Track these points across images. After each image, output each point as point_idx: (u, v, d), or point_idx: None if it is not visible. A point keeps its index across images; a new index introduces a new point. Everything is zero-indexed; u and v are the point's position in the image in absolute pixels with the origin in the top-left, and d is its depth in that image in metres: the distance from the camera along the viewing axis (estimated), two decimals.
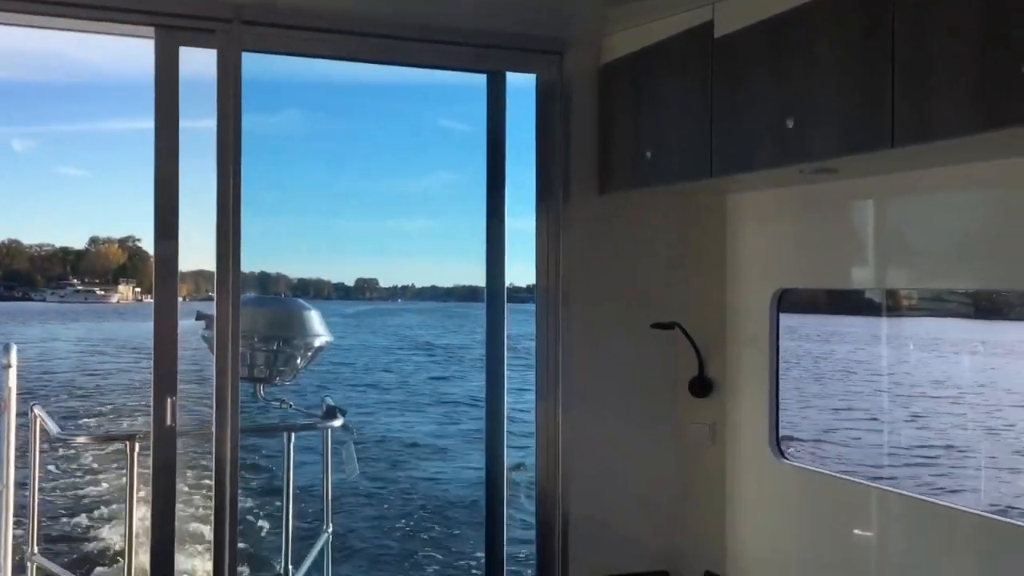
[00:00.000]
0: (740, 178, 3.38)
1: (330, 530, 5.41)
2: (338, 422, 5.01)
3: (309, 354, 5.01)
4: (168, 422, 3.35)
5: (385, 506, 17.08)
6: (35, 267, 71.24)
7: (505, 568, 3.99)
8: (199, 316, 4.25)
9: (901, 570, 3.24)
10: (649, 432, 3.96)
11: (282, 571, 4.75)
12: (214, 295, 3.44)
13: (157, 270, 3.44)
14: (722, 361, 3.96)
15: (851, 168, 3.06)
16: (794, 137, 2.82)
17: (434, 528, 15.54)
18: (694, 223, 3.98)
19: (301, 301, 5.36)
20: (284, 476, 4.82)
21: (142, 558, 3.73)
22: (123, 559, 4.49)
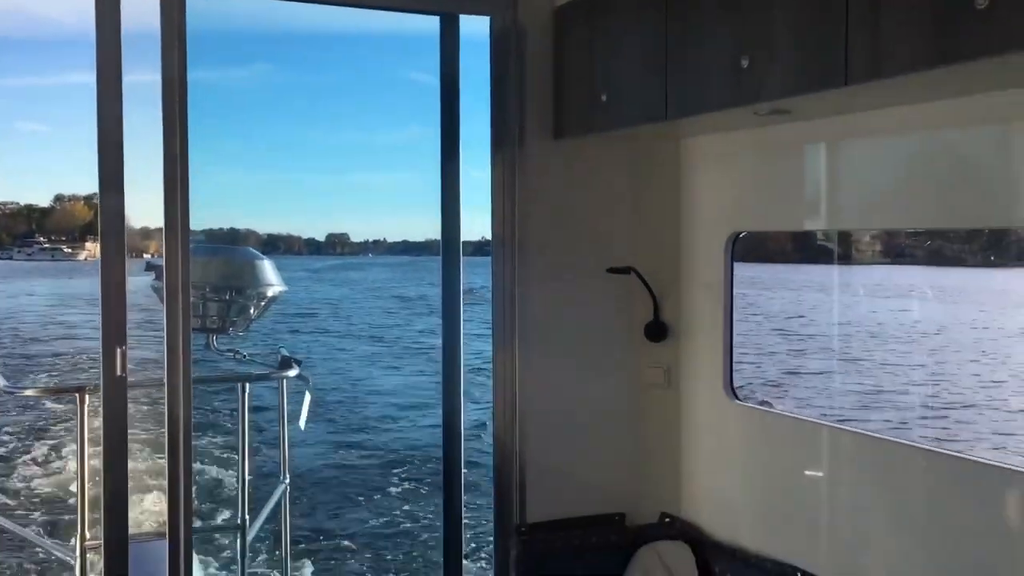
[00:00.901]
0: (695, 121, 3.36)
1: (287, 480, 5.40)
2: (293, 372, 4.97)
3: (262, 304, 4.95)
4: (118, 372, 3.29)
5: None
6: (0, 225, 69.75)
7: (463, 517, 4.02)
8: (148, 266, 4.18)
9: (853, 505, 3.31)
10: (605, 377, 3.99)
11: (239, 521, 4.73)
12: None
13: (103, 222, 3.37)
14: (677, 305, 3.98)
15: (805, 109, 3.06)
16: (748, 77, 2.81)
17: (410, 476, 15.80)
18: (649, 168, 3.97)
19: (253, 250, 5.29)
20: (239, 426, 4.78)
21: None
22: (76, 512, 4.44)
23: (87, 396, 4.29)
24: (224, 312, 4.83)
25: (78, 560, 4.36)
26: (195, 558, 3.70)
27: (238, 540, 4.73)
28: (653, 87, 3.24)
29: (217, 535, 9.26)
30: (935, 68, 2.23)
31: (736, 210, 3.77)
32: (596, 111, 3.58)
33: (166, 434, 3.39)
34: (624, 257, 3.90)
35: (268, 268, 5.00)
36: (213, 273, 4.82)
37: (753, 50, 2.78)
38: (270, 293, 4.98)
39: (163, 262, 3.40)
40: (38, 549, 4.94)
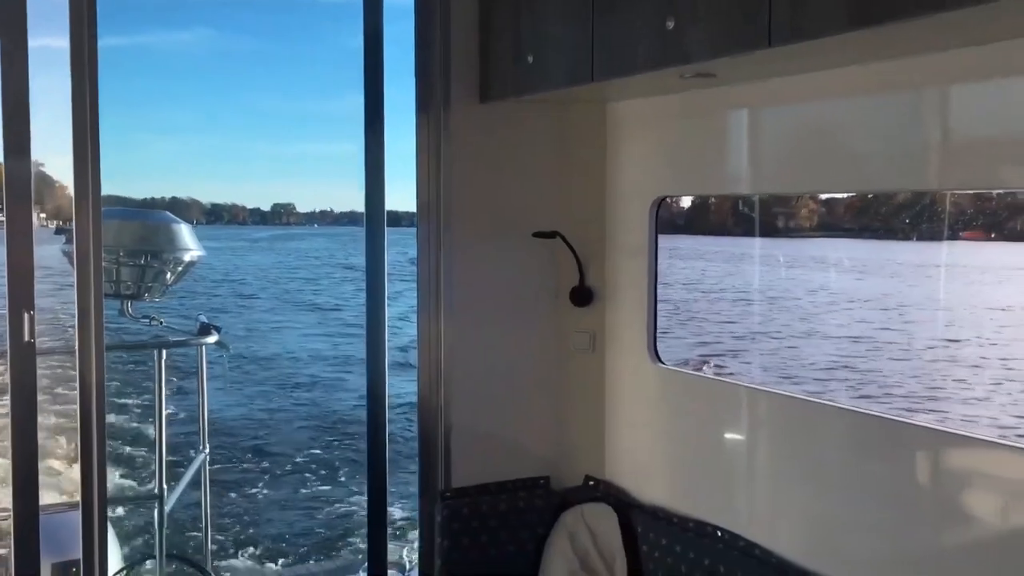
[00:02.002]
0: (621, 83, 3.35)
1: (206, 450, 5.31)
2: (212, 339, 4.87)
3: (179, 269, 4.82)
4: (26, 338, 3.18)
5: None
6: None
7: (388, 485, 3.99)
8: (58, 230, 4.03)
9: (771, 465, 3.38)
10: (530, 342, 3.99)
11: (156, 491, 4.63)
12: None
13: (8, 185, 3.23)
14: (602, 270, 4.00)
15: (729, 73, 3.07)
16: (674, 39, 2.80)
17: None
18: (575, 133, 3.96)
19: (169, 214, 5.14)
20: (156, 394, 4.67)
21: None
22: None
23: None
24: (139, 277, 4.69)
25: None
26: (110, 529, 3.61)
27: (156, 510, 4.64)
28: (579, 48, 3.21)
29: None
30: (856, 30, 2.25)
31: (661, 175, 3.78)
32: (522, 73, 3.54)
33: (78, 402, 3.29)
34: (550, 222, 3.89)
35: (185, 232, 4.87)
36: (127, 237, 4.67)
37: (679, 12, 2.77)
38: (187, 258, 4.85)
39: (74, 226, 3.28)
40: None
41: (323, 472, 14.41)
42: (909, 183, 2.97)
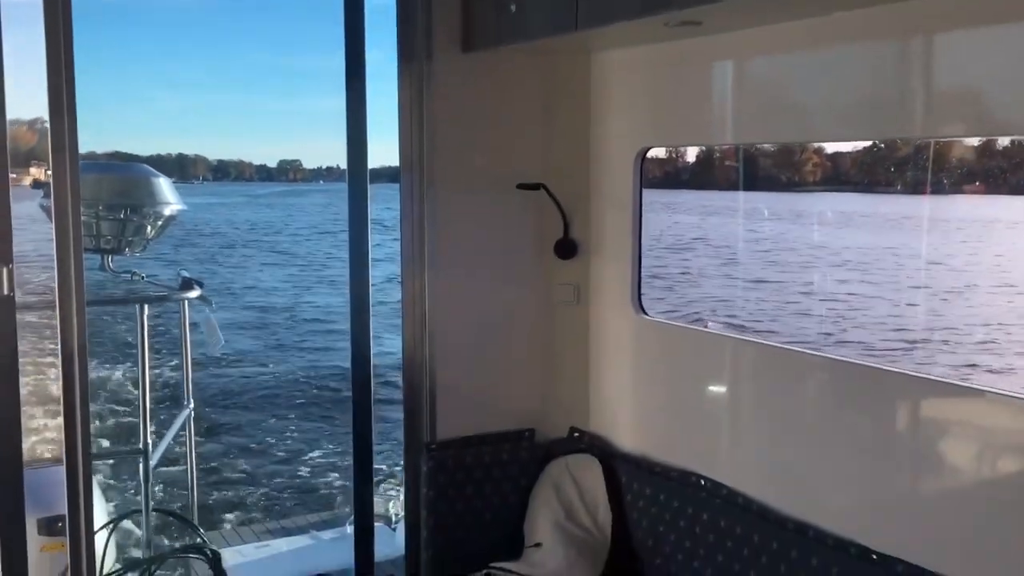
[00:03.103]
0: (605, 32, 3.31)
1: (191, 405, 5.31)
2: (194, 293, 4.83)
3: (159, 223, 4.77)
4: (5, 291, 3.13)
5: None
6: None
7: (374, 442, 4.00)
8: (36, 184, 3.97)
9: (754, 414, 3.40)
10: (515, 295, 3.98)
11: (141, 446, 4.63)
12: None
13: None
14: (587, 222, 3.98)
15: (715, 21, 3.04)
16: None
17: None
18: (559, 83, 3.91)
19: (148, 168, 5.07)
20: (139, 348, 4.64)
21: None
22: None
23: None
24: (119, 231, 4.64)
25: None
26: (95, 483, 3.61)
27: (141, 464, 4.64)
28: None
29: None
30: None
31: (645, 125, 3.75)
32: (505, 22, 3.49)
33: (60, 357, 3.26)
34: (534, 174, 3.87)
35: (165, 185, 4.81)
36: (106, 190, 4.61)
37: None
38: (167, 212, 4.80)
39: (51, 179, 3.23)
40: None
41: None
42: (896, 131, 2.95)
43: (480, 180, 3.86)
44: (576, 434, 4.04)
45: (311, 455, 13.10)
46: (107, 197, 4.59)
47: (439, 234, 3.81)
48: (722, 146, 3.65)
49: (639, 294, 3.83)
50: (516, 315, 3.99)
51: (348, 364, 3.97)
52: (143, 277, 4.98)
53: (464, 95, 3.79)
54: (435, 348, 3.86)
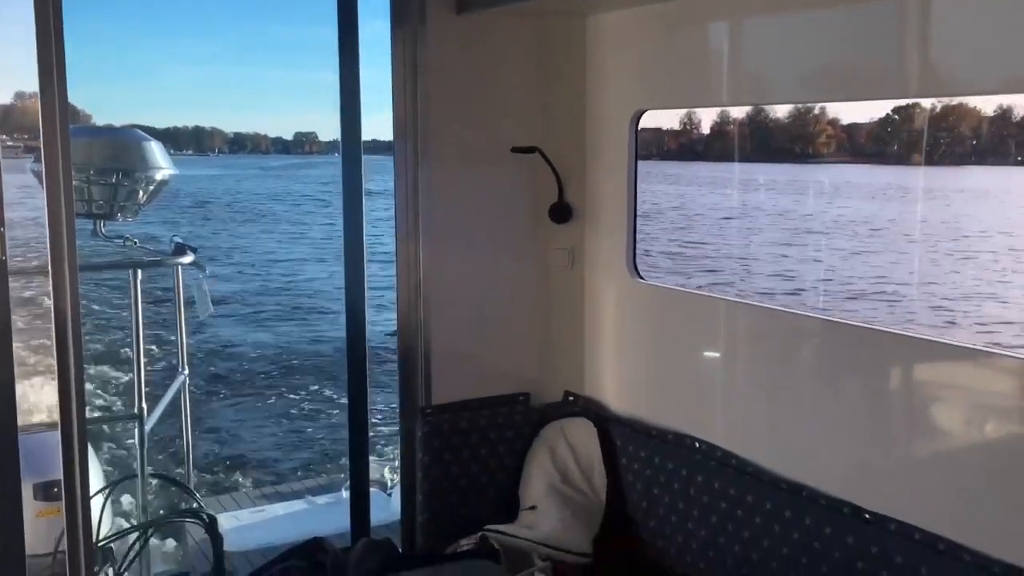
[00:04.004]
0: None
1: (186, 371, 5.30)
2: (187, 259, 4.81)
3: (151, 188, 4.73)
4: None
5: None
6: None
7: (369, 414, 4.01)
8: (26, 148, 3.93)
9: (749, 377, 3.41)
10: (509, 259, 3.97)
11: (136, 411, 4.62)
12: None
13: None
14: (582, 186, 3.96)
15: None
16: None
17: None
18: (554, 46, 3.88)
19: (140, 132, 5.02)
20: (132, 313, 4.63)
21: None
22: None
23: None
24: (111, 196, 4.60)
25: None
26: (90, 450, 3.60)
27: (136, 429, 4.64)
28: None
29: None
30: None
31: (640, 88, 3.73)
32: None
33: (53, 323, 3.25)
34: (529, 137, 3.84)
35: (156, 150, 4.76)
36: (97, 155, 4.57)
37: None
38: (159, 176, 4.75)
39: (41, 144, 3.19)
40: None
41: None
42: (895, 92, 2.93)
43: (474, 144, 3.84)
44: (571, 398, 4.05)
45: None
46: (98, 161, 4.55)
47: (433, 199, 3.79)
48: (717, 107, 3.62)
49: (634, 258, 3.82)
50: (511, 280, 3.98)
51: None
52: (136, 243, 4.95)
53: (458, 58, 3.76)
54: (430, 313, 3.85)
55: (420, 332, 3.87)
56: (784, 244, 24.57)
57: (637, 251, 3.84)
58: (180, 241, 4.96)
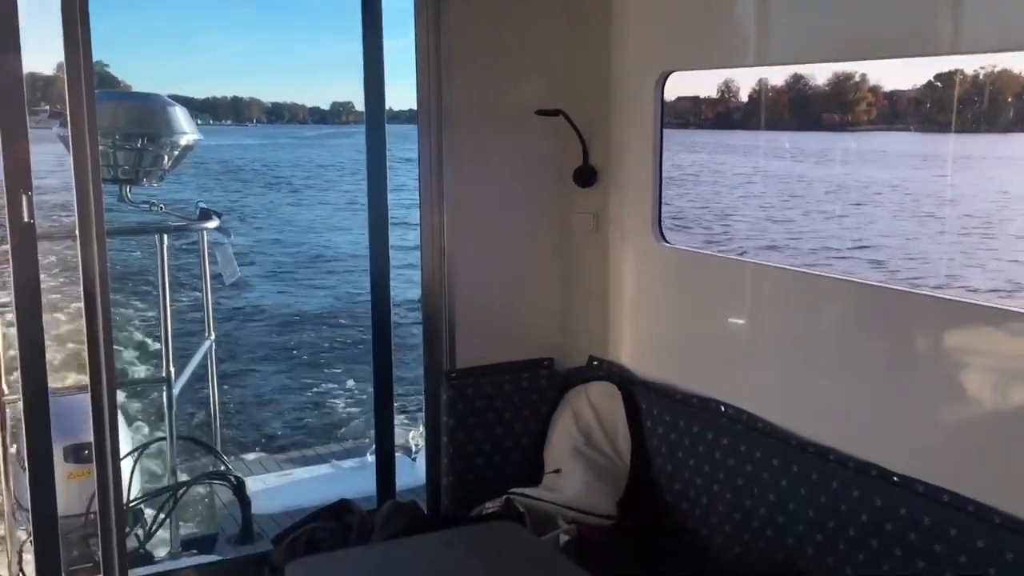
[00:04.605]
0: None
1: (212, 337, 5.35)
2: (212, 223, 4.83)
3: (176, 153, 4.75)
4: (26, 218, 3.14)
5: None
6: None
7: (394, 380, 4.03)
8: (52, 114, 3.95)
9: (776, 339, 3.38)
10: (533, 224, 3.96)
11: (164, 375, 4.68)
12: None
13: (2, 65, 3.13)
14: (606, 149, 3.93)
15: None
16: None
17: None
18: (579, 7, 3.84)
19: (164, 97, 5.03)
20: (159, 278, 4.66)
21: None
22: None
23: None
24: (136, 161, 4.63)
25: None
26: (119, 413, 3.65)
27: (164, 393, 4.69)
28: None
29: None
30: None
31: (667, 49, 3.68)
32: None
33: (81, 287, 3.28)
34: (553, 99, 3.81)
35: (181, 115, 4.78)
36: (122, 120, 4.59)
37: None
38: (183, 141, 4.77)
39: (67, 109, 3.20)
40: None
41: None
42: (928, 49, 2.87)
43: (498, 107, 3.81)
44: (595, 362, 4.05)
45: None
46: (124, 126, 4.57)
47: (457, 164, 3.78)
48: (745, 68, 3.57)
49: (659, 221, 3.80)
50: (535, 244, 3.97)
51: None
52: (161, 208, 4.98)
53: (481, 21, 3.73)
54: (454, 278, 3.86)
55: (444, 297, 3.87)
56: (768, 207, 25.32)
57: (663, 214, 3.81)
58: (205, 206, 4.98)
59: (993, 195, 23.80)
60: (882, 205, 24.21)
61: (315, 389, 13.57)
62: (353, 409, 12.21)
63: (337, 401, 12.89)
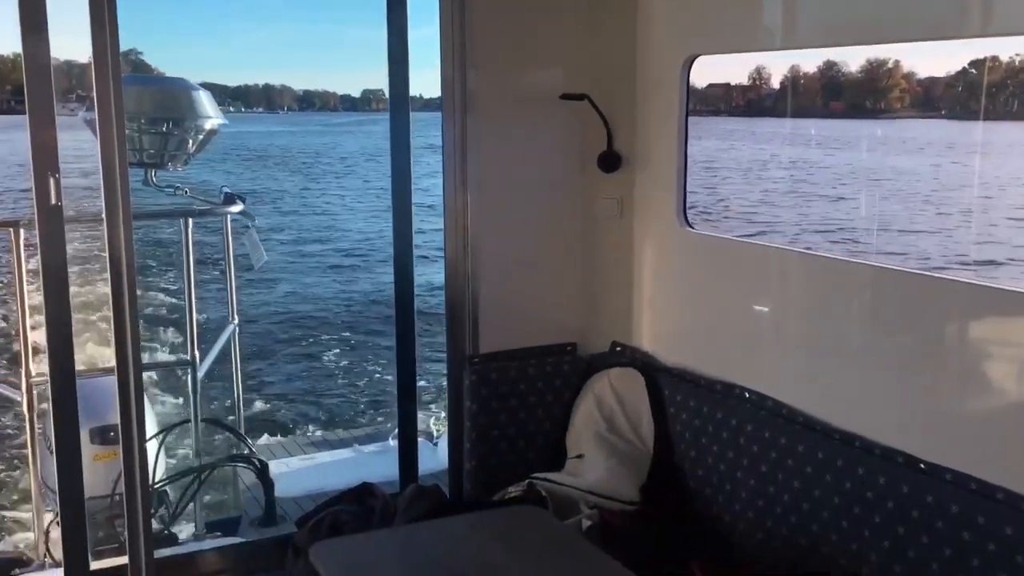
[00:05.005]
0: None
1: (236, 321, 5.37)
2: (237, 208, 4.85)
3: (200, 137, 4.77)
4: (53, 201, 3.16)
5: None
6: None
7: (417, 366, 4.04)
8: (78, 97, 3.97)
9: (802, 325, 3.36)
10: (557, 209, 3.94)
11: (188, 358, 4.71)
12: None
13: (26, 51, 3.15)
14: (631, 134, 3.91)
15: None
16: None
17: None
18: None
19: (189, 81, 5.05)
20: (184, 262, 4.69)
21: None
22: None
23: (21, 231, 4.15)
24: (161, 145, 4.65)
25: (24, 396, 4.32)
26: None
27: (189, 376, 4.72)
28: None
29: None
30: None
31: (693, 33, 3.65)
32: None
33: (108, 270, 3.29)
34: (578, 84, 3.79)
35: (205, 99, 4.79)
36: (148, 104, 4.61)
37: None
38: (208, 126, 4.79)
39: (94, 93, 3.21)
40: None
41: None
42: (956, 32, 2.83)
43: (522, 91, 3.80)
44: (618, 348, 4.04)
45: None
46: (149, 110, 4.59)
47: (481, 148, 3.77)
48: (772, 50, 3.54)
49: (684, 207, 3.78)
50: (558, 229, 3.96)
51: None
52: (186, 192, 5.00)
53: (507, 2, 3.71)
54: (477, 263, 3.85)
55: (467, 281, 3.87)
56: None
57: (687, 200, 3.79)
58: (229, 191, 5.00)
59: None
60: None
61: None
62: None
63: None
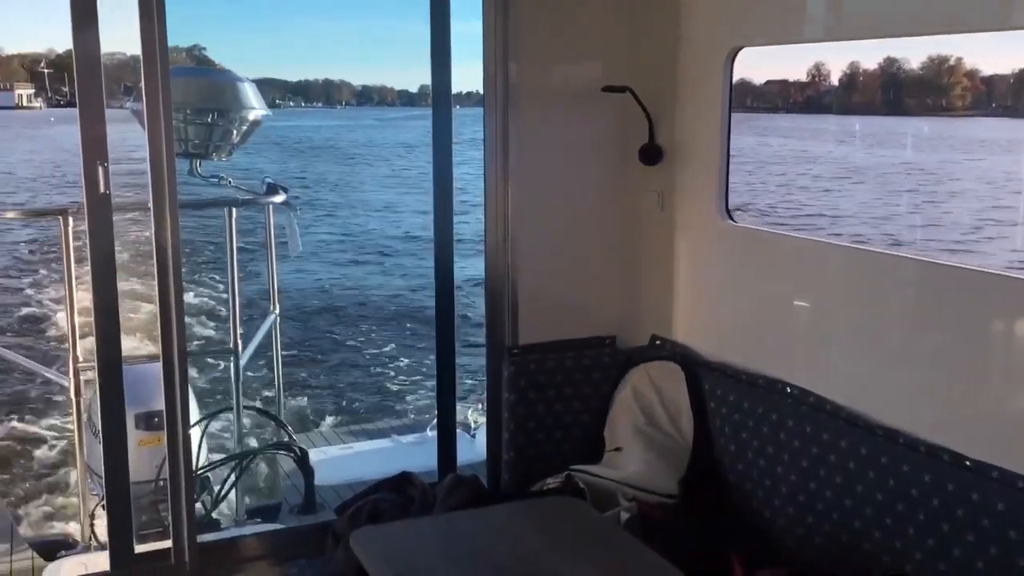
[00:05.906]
0: None
1: (277, 311, 5.43)
2: (279, 198, 4.90)
3: (244, 128, 4.83)
4: (102, 189, 3.21)
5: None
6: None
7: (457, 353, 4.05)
8: (125, 89, 4.03)
9: (845, 319, 3.32)
10: (598, 202, 3.94)
11: (231, 347, 4.76)
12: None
13: (77, 39, 3.19)
14: (672, 127, 3.89)
15: None
16: None
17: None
18: None
19: (234, 72, 5.11)
20: (228, 251, 4.74)
21: None
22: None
23: (70, 218, 4.22)
24: (207, 136, 4.71)
25: (71, 381, 4.39)
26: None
27: (232, 363, 4.78)
28: None
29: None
30: None
31: (737, 24, 3.62)
32: None
33: (154, 259, 3.35)
34: (620, 76, 3.78)
35: (250, 91, 4.85)
36: (194, 95, 4.67)
37: None
38: (252, 117, 4.84)
39: (142, 84, 3.26)
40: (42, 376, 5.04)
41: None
42: (1010, 20, 2.78)
43: (564, 84, 3.80)
44: (657, 341, 4.02)
45: None
46: (195, 101, 4.66)
47: (522, 141, 3.77)
48: (817, 42, 3.49)
49: (727, 200, 3.75)
50: (599, 222, 3.95)
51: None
52: (230, 182, 5.06)
53: None
54: (517, 254, 3.86)
55: (508, 273, 3.88)
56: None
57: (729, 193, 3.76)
58: (271, 181, 5.05)
59: None
60: None
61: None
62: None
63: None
